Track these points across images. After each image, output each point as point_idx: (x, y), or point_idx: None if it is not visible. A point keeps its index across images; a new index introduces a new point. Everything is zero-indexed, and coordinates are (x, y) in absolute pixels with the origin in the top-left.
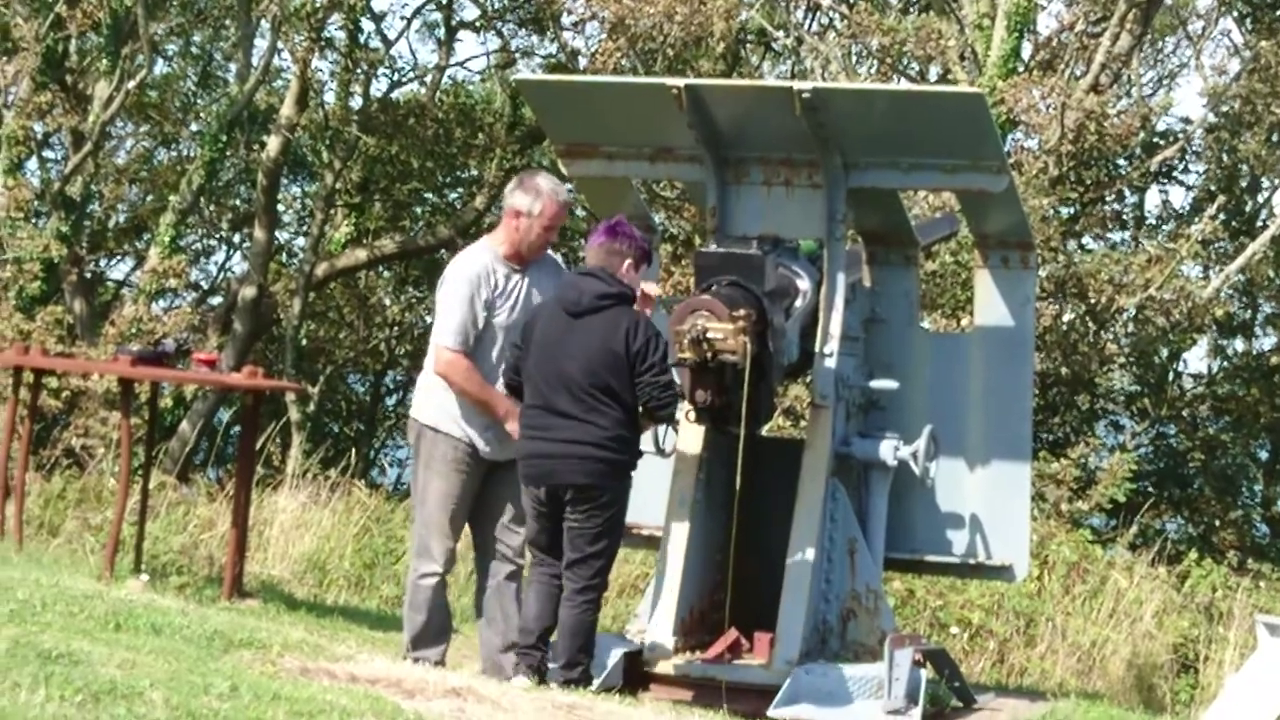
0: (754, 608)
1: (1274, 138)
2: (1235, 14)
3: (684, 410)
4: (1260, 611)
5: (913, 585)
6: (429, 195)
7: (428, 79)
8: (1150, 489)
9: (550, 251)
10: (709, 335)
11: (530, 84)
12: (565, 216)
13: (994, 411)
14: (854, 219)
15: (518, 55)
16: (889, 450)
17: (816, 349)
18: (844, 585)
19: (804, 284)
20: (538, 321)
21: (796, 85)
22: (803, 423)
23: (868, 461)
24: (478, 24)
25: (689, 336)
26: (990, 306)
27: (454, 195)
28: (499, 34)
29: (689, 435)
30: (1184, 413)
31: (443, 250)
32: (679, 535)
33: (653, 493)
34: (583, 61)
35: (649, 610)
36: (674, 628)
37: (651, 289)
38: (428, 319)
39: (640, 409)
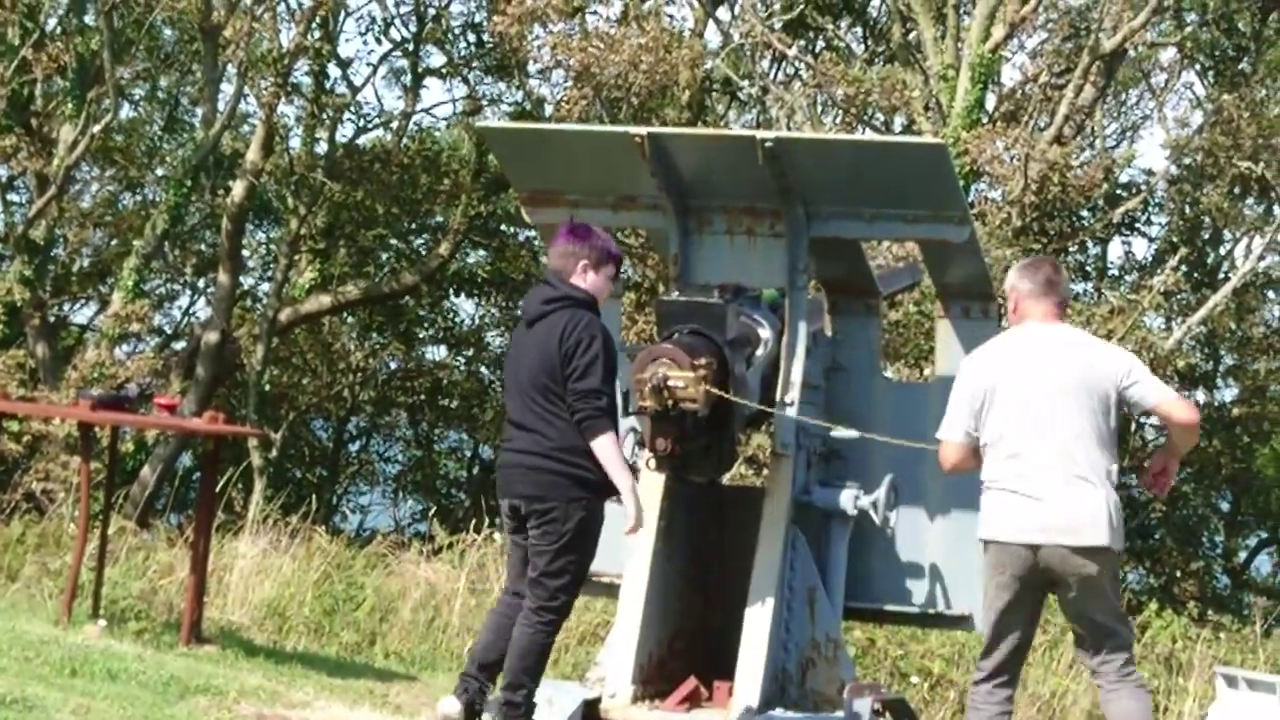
0: (714, 656)
1: (1236, 190)
2: (1198, 67)
3: (645, 458)
4: (1220, 663)
5: (874, 634)
6: (394, 241)
7: (394, 125)
8: None
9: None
10: (670, 383)
11: (494, 131)
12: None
13: None
14: (816, 268)
15: (484, 102)
16: (849, 499)
17: (778, 398)
18: (804, 634)
19: (765, 333)
20: (513, 335)
21: (759, 134)
22: (765, 471)
23: (828, 510)
24: (444, 71)
25: (650, 385)
26: (951, 356)
27: (419, 241)
28: (465, 81)
29: (649, 483)
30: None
31: (407, 296)
32: (638, 583)
33: (613, 540)
34: (549, 109)
35: (608, 658)
36: (633, 675)
37: None
38: (391, 365)
39: None
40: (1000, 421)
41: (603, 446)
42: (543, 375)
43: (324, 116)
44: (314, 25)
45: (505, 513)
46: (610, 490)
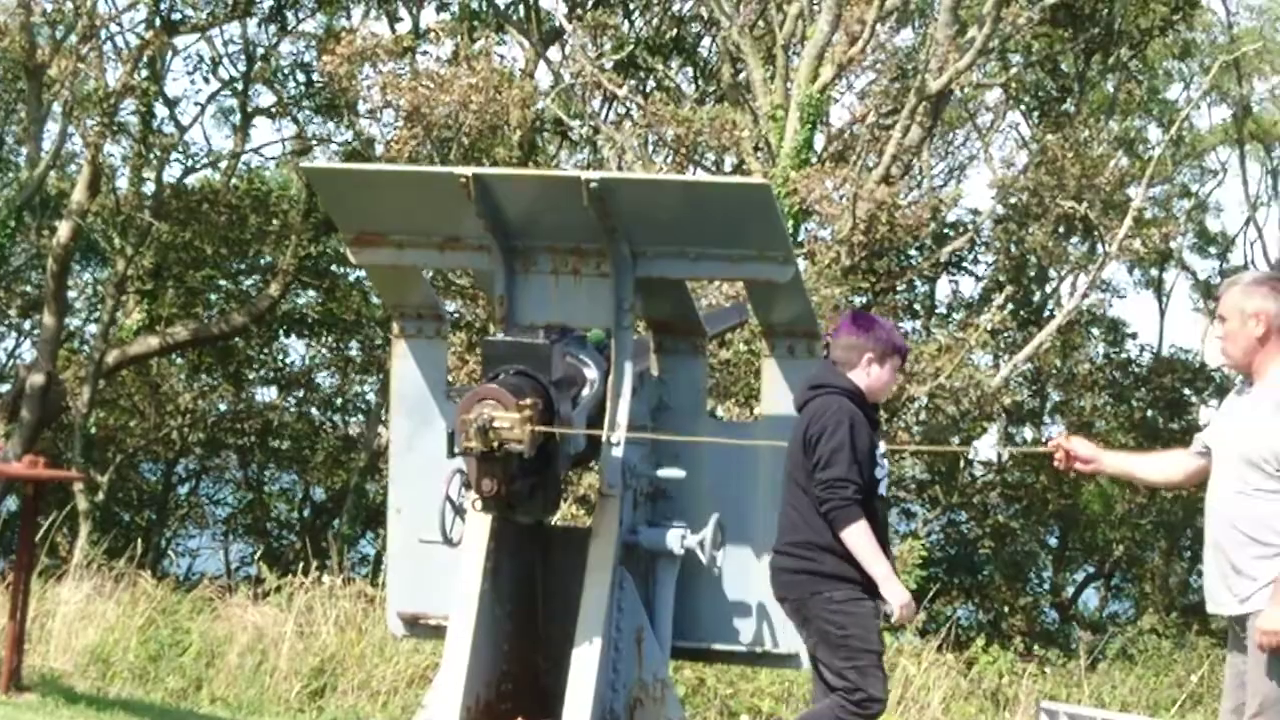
0: (541, 697)
1: (1060, 229)
2: (1023, 108)
3: (471, 500)
4: (1044, 697)
5: (704, 674)
6: (223, 282)
7: (222, 165)
8: (941, 575)
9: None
10: (495, 424)
11: (317, 172)
12: None
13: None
14: (642, 308)
15: (314, 142)
16: (676, 539)
17: (603, 438)
18: (631, 674)
19: (591, 373)
20: None
21: (584, 175)
22: None
23: (655, 550)
24: (273, 110)
25: (475, 425)
26: (777, 395)
27: (248, 282)
28: (295, 121)
29: (476, 524)
30: (974, 500)
31: (236, 337)
32: (465, 625)
33: (441, 582)
34: (379, 149)
35: (434, 700)
36: (460, 718)
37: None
38: (221, 406)
39: None
40: None
41: (852, 536)
42: (791, 464)
43: (151, 156)
44: (141, 64)
45: None
46: (855, 580)
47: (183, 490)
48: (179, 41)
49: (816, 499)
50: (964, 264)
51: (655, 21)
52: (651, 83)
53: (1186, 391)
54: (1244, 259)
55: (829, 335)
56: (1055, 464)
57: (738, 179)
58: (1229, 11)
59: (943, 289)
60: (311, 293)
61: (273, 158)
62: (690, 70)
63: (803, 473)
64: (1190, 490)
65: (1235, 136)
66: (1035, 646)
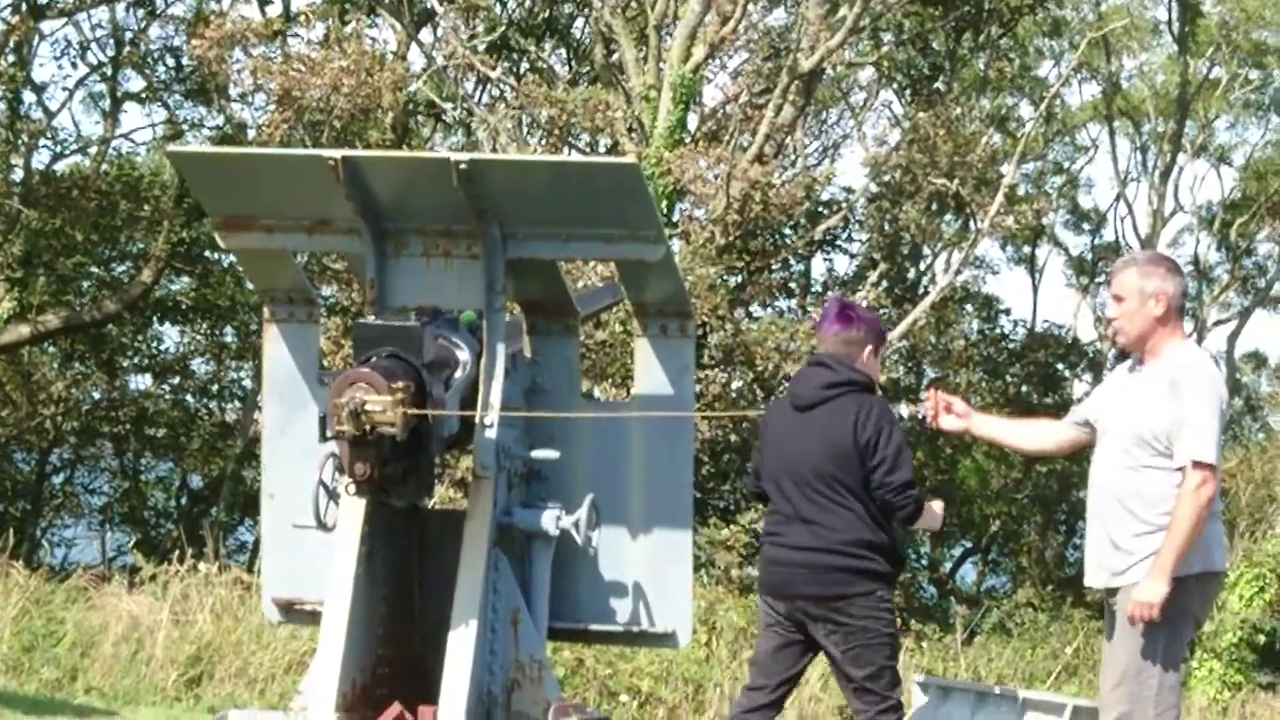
0: (418, 680)
1: (933, 207)
2: (895, 86)
3: (344, 484)
4: (921, 671)
5: (582, 654)
6: (94, 269)
7: (92, 151)
8: None
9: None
10: (367, 408)
11: (183, 156)
12: None
13: (655, 479)
14: (514, 289)
15: (185, 127)
16: (551, 520)
17: (476, 419)
18: (508, 656)
19: (464, 355)
20: (771, 419)
21: (454, 156)
22: None
23: (530, 531)
24: (143, 95)
25: (347, 409)
26: (649, 374)
27: (121, 269)
28: (165, 106)
29: (349, 508)
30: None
31: (109, 325)
32: (340, 610)
33: (319, 567)
34: (251, 133)
35: (311, 686)
36: (336, 703)
37: None
38: (95, 395)
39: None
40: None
41: (924, 520)
42: (829, 465)
43: (19, 142)
44: (7, 49)
45: (778, 611)
46: (892, 581)
47: (57, 480)
48: (45, 26)
49: (886, 503)
50: (838, 242)
51: (527, 3)
52: (524, 64)
53: (1060, 366)
54: (1115, 235)
55: (819, 328)
56: (926, 416)
57: (607, 159)
58: None
59: (817, 267)
60: (185, 279)
61: (143, 143)
62: (563, 52)
63: (846, 472)
64: (1065, 464)
65: (1105, 113)
66: (913, 622)
